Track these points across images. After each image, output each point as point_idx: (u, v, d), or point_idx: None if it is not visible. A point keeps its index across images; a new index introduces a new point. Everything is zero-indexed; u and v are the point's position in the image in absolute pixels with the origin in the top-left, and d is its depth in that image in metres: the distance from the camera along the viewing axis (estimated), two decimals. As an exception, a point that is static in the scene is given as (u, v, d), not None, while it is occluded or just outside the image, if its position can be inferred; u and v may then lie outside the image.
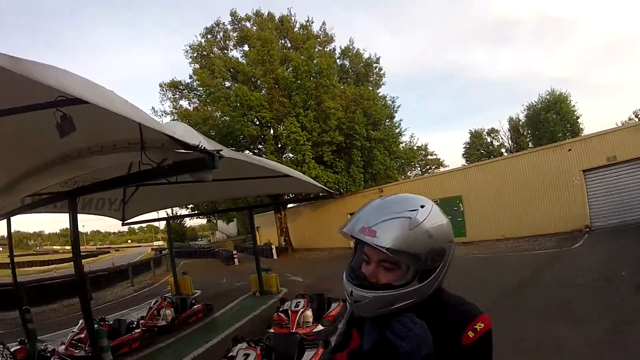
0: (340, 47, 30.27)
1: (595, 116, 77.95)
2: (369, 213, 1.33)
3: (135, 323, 9.02)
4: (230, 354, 5.29)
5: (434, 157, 53.40)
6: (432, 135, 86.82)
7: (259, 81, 27.39)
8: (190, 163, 4.32)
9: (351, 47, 30.09)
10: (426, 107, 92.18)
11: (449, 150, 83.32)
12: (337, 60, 29.53)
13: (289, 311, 7.79)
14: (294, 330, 7.21)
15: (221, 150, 4.41)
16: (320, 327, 7.56)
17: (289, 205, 30.19)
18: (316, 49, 27.96)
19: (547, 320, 6.59)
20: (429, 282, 1.32)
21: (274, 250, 26.29)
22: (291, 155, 25.97)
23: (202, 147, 4.06)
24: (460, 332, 1.27)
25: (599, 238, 14.61)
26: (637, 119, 48.16)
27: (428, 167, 52.71)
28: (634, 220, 15.74)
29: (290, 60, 26.83)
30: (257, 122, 26.80)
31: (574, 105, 45.13)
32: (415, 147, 34.76)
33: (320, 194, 21.95)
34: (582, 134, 37.93)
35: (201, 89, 28.58)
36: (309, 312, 7.83)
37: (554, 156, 18.15)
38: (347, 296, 1.38)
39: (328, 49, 29.56)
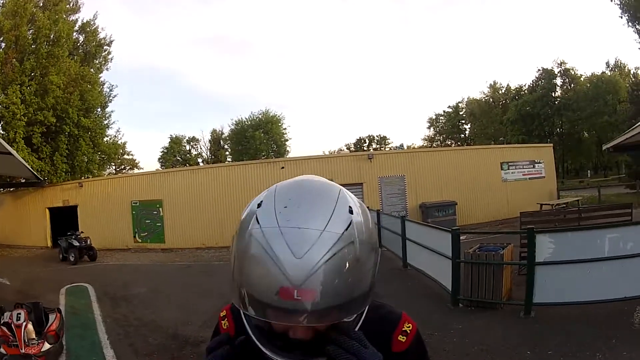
0: (82, 20, 26.52)
1: (306, 142, 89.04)
2: (282, 250, 0.77)
3: None
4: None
5: (130, 157, 51.16)
6: (131, 134, 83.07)
7: (2, 37, 22.11)
8: None
9: (92, 23, 26.76)
10: (135, 104, 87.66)
11: (145, 153, 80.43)
12: (74, 33, 25.80)
13: (12, 325, 6.30)
14: (24, 351, 6.00)
15: None
16: (47, 345, 6.37)
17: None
18: (63, 15, 24.10)
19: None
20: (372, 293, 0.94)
21: (-21, 247, 20.93)
22: (2, 131, 21.21)
23: None
24: (388, 339, 1.05)
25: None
26: (348, 150, 57.12)
27: (123, 166, 50.28)
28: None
29: (36, 21, 22.42)
30: None
31: (285, 129, 50.04)
32: (119, 143, 32.51)
33: (25, 180, 18.57)
34: (288, 156, 42.55)
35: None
36: (31, 327, 6.50)
37: (265, 171, 19.61)
38: None
39: (72, 19, 25.63)
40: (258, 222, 0.82)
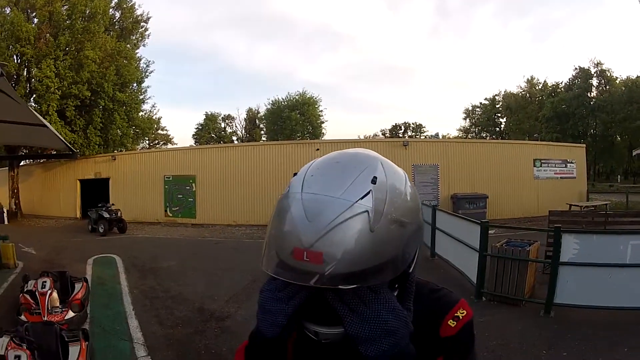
0: (120, -4, 26.89)
1: (342, 125, 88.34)
2: (298, 213, 0.84)
3: None
4: (-1, 353, 4.28)
5: (165, 132, 51.88)
6: (166, 110, 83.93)
7: (35, 12, 22.74)
8: None
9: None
10: (170, 80, 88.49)
11: (180, 129, 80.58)
12: (110, 10, 26.07)
13: (37, 293, 6.57)
14: (47, 319, 6.12)
15: None
16: (71, 314, 6.60)
17: (21, 163, 25.27)
18: (98, -9, 24.52)
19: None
20: (412, 273, 0.99)
21: (5, 214, 21.72)
22: (34, 104, 21.78)
23: None
24: (438, 323, 1.00)
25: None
26: (383, 136, 56.69)
27: (157, 141, 51.04)
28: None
29: (71, -4, 22.83)
30: (18, 59, 22.27)
31: (321, 111, 50.02)
32: (154, 118, 32.98)
33: (58, 152, 18.99)
34: (323, 138, 42.50)
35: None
36: (55, 295, 6.74)
37: (301, 152, 19.72)
38: (310, 334, 0.93)
39: (108, -5, 26.02)
40: (288, 189, 0.92)
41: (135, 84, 27.20)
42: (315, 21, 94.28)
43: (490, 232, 7.65)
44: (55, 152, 20.53)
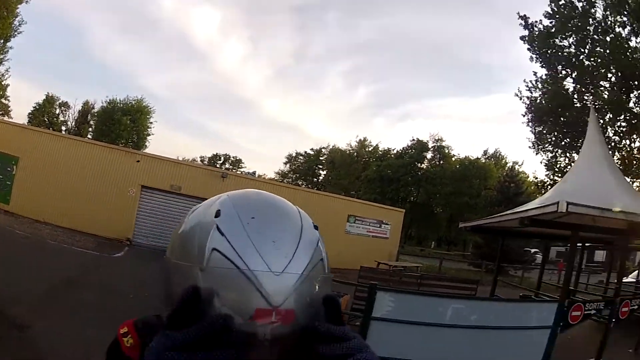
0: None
1: (166, 142, 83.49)
2: (258, 266, 0.66)
3: None
4: None
5: (6, 102, 44.72)
6: (14, 79, 69.76)
7: None
8: None
9: None
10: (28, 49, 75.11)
11: (18, 101, 67.18)
12: None
13: None
14: None
15: None
16: None
17: None
18: None
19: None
20: None
21: None
22: None
23: None
24: None
25: (140, 254, 15.62)
26: (201, 163, 55.17)
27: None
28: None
29: None
30: None
31: (151, 123, 49.50)
32: (3, 83, 30.59)
33: None
34: (144, 150, 40.42)
35: None
36: None
37: (121, 160, 18.66)
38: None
39: None
40: (222, 234, 0.68)
41: (2, 40, 25.12)
42: (177, 28, 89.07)
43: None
44: None
